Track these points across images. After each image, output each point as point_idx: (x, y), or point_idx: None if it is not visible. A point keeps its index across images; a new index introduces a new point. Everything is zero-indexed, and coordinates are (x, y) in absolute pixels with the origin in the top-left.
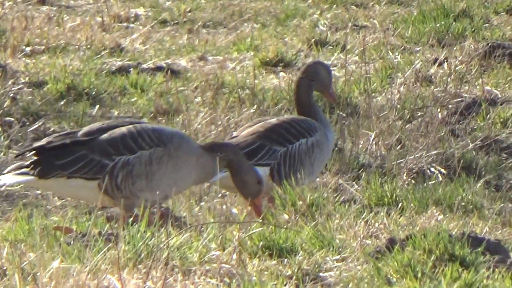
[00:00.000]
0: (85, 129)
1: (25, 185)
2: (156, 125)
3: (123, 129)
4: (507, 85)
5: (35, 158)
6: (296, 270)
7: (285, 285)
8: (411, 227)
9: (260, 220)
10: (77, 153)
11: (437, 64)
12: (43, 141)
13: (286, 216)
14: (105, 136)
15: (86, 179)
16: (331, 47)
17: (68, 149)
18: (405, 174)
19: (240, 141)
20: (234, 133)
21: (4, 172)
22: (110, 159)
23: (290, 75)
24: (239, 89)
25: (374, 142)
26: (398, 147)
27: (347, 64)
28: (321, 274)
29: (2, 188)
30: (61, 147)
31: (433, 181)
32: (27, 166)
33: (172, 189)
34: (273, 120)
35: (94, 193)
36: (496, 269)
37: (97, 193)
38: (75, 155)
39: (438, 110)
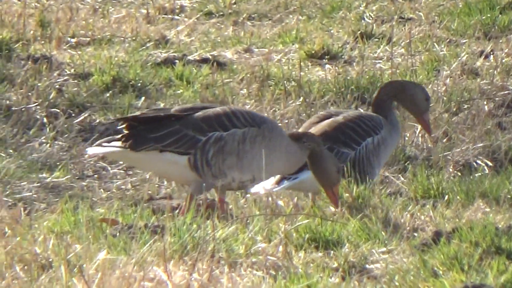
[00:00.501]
0: (177, 107)
1: (112, 157)
2: (247, 109)
3: (218, 109)
4: None
5: (126, 131)
6: (342, 262)
7: (331, 277)
8: (457, 220)
9: (306, 213)
10: (171, 127)
11: (483, 56)
12: (136, 113)
13: (332, 209)
14: (199, 113)
15: (178, 153)
16: (377, 39)
17: (162, 123)
18: (451, 167)
19: None
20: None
21: (94, 145)
22: (203, 135)
23: (336, 67)
24: (285, 81)
25: (420, 135)
26: (445, 139)
27: (393, 57)
28: (367, 266)
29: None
30: (155, 120)
31: (480, 174)
32: (118, 139)
33: (260, 172)
34: (340, 119)
35: (183, 169)
36: None
37: (186, 170)
38: (169, 129)
39: (485, 102)
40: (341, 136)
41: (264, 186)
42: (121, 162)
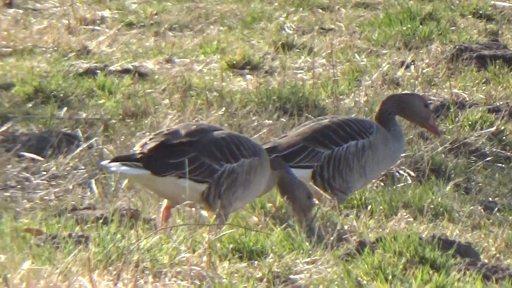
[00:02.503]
0: (182, 130)
1: (133, 179)
2: (244, 136)
3: (223, 135)
4: (474, 88)
5: (145, 154)
6: (266, 272)
7: (256, 287)
8: (380, 230)
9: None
10: (189, 154)
11: (404, 67)
12: (156, 138)
13: (255, 219)
14: (208, 139)
15: (196, 181)
16: (298, 50)
17: (178, 149)
18: None
19: (284, 142)
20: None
21: (112, 160)
22: (218, 164)
23: (258, 77)
24: (207, 92)
25: None
26: None
27: (314, 67)
28: (291, 276)
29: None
30: (174, 146)
31: (403, 184)
32: (136, 160)
33: (251, 200)
34: (325, 121)
35: (198, 196)
36: (467, 272)
37: (200, 197)
38: (186, 156)
39: None
40: (319, 137)
41: None
42: (40, 175)
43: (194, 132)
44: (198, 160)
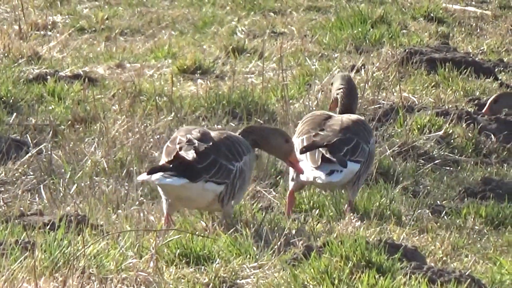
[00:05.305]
0: (189, 135)
1: (165, 187)
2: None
3: (223, 135)
4: (424, 92)
5: (178, 162)
6: (213, 277)
7: None
8: (328, 234)
9: (177, 227)
10: (209, 158)
11: (354, 70)
12: (188, 145)
13: (203, 224)
14: (217, 141)
15: (217, 183)
16: (249, 54)
17: (200, 153)
18: None
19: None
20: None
21: (149, 171)
22: (231, 164)
23: (208, 82)
24: (157, 97)
25: None
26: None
27: (264, 71)
28: (238, 281)
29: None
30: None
31: None
32: (170, 169)
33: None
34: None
35: (214, 199)
36: (413, 276)
37: (214, 200)
38: (208, 159)
39: None
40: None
41: (314, 177)
42: None
43: (201, 137)
44: (217, 163)
